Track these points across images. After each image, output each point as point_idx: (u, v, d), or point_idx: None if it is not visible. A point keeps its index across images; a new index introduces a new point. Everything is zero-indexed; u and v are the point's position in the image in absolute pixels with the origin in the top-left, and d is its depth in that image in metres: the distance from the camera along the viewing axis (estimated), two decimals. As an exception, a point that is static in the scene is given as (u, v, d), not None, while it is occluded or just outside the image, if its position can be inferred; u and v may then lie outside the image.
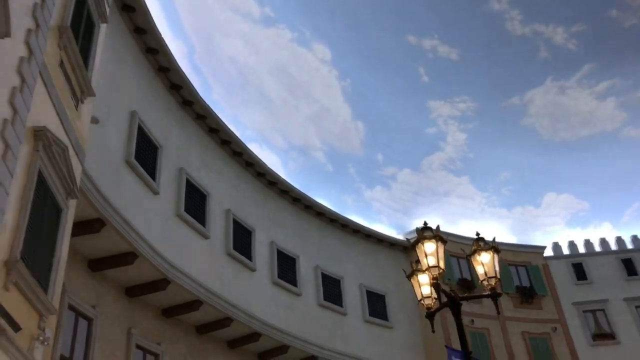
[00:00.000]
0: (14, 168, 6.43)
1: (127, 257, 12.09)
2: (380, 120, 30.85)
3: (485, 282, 8.03)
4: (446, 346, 9.29)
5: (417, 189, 31.68)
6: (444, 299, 8.09)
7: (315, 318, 18.22)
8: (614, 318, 23.24)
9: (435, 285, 7.93)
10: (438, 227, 8.19)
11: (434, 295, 8.18)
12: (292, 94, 29.45)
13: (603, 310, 23.48)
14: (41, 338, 7.02)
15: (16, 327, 6.15)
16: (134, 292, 13.06)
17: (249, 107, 27.78)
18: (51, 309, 7.20)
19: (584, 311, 23.47)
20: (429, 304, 8.33)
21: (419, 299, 8.48)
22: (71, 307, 11.01)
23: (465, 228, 24.78)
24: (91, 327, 11.54)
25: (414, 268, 8.48)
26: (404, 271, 9.48)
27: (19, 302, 6.45)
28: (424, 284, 8.46)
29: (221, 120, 16.48)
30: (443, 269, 7.97)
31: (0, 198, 6.08)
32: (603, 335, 22.97)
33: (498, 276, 8.10)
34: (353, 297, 20.02)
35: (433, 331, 8.66)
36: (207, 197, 15.54)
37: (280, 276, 17.49)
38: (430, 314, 8.30)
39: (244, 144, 17.42)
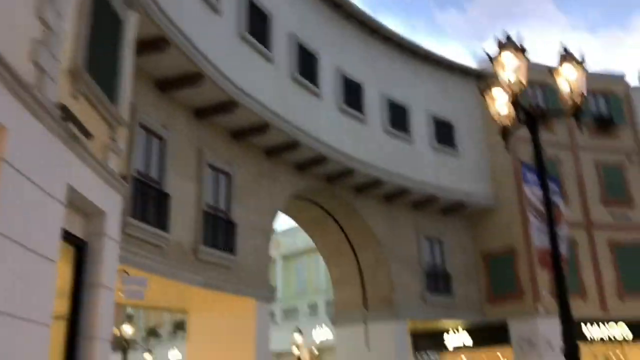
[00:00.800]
0: (67, -30, 6.07)
1: (194, 79, 12.03)
2: None
3: (569, 101, 7.47)
4: (522, 162, 8.94)
5: (493, 11, 29.50)
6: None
7: (382, 144, 18.18)
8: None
9: (514, 103, 7.43)
10: (521, 38, 7.45)
11: (510, 114, 7.73)
12: None
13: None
14: (114, 149, 7.17)
15: (87, 135, 6.22)
16: (203, 114, 13.21)
17: None
18: (120, 120, 7.25)
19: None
20: (504, 122, 7.90)
21: (494, 116, 8.02)
22: (142, 126, 11.28)
23: (543, 55, 23.16)
24: (163, 146, 11.91)
25: (490, 83, 7.93)
26: (478, 89, 8.89)
27: (88, 111, 6.46)
28: (499, 102, 7.98)
29: None
30: (525, 85, 7.40)
31: (58, 3, 5.81)
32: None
33: (584, 93, 7.49)
34: (420, 124, 19.69)
35: (507, 149, 8.30)
36: (270, 18, 14.91)
37: (345, 102, 17.23)
38: (505, 133, 7.89)
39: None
